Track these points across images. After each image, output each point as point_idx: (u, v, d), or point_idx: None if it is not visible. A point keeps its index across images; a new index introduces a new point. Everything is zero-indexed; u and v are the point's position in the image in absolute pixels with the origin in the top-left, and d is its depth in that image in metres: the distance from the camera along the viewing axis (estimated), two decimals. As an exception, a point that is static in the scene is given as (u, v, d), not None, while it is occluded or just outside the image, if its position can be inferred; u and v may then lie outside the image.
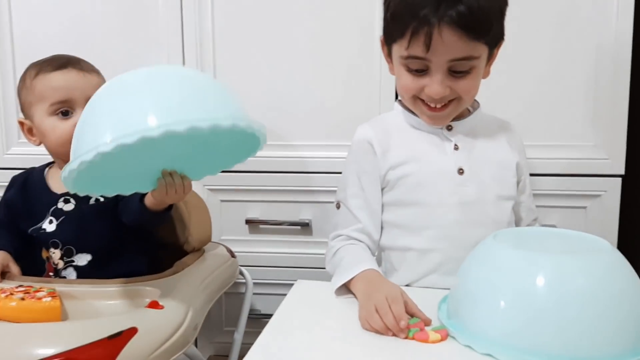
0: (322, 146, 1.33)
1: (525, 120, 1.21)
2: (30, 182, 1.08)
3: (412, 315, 0.78)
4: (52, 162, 1.10)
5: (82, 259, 1.01)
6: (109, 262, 1.02)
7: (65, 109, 1.01)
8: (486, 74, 0.95)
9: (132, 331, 0.75)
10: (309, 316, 0.82)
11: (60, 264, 1.02)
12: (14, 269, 1.00)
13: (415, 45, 0.86)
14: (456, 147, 0.96)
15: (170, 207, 0.97)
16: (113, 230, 1.03)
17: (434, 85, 0.89)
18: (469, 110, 1.00)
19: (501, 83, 1.21)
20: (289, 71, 1.32)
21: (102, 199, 1.04)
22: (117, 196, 0.99)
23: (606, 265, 0.70)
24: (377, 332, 0.76)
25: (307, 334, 0.76)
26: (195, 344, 1.43)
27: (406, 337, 0.74)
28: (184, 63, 1.34)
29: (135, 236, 1.05)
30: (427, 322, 0.78)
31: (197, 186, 1.35)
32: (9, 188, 1.09)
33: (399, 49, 0.90)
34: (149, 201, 0.94)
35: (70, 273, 1.02)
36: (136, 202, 0.95)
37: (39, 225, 1.04)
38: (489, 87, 0.99)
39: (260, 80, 1.33)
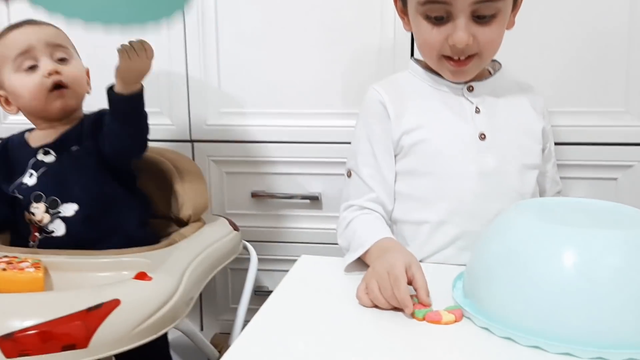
0: (333, 114, 1.26)
1: (551, 85, 1.14)
2: (10, 145, 1.08)
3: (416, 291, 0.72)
4: (32, 129, 1.09)
5: (69, 209, 0.98)
6: (100, 217, 1.00)
7: (31, 64, 1.00)
8: (511, 24, 0.88)
9: (114, 303, 0.71)
10: (311, 293, 0.78)
11: (46, 218, 0.98)
12: None
13: None
14: (477, 111, 0.89)
15: (141, 92, 0.97)
16: (99, 182, 1.01)
17: (458, 32, 0.82)
18: (490, 72, 0.93)
19: (528, 47, 1.14)
20: (296, 36, 1.25)
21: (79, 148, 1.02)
22: (97, 143, 1.00)
23: (643, 240, 0.63)
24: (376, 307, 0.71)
25: (307, 311, 0.72)
26: (201, 322, 1.41)
27: (416, 318, 0.69)
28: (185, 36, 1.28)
29: (124, 191, 1.04)
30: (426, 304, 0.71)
31: (200, 157, 1.31)
32: None
33: None
34: (118, 86, 0.94)
35: (59, 225, 0.98)
36: (109, 99, 0.95)
37: (19, 180, 1.01)
38: (516, 51, 0.93)
39: (265, 46, 1.27)
